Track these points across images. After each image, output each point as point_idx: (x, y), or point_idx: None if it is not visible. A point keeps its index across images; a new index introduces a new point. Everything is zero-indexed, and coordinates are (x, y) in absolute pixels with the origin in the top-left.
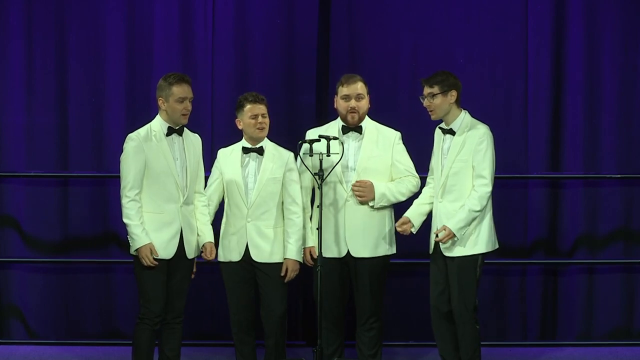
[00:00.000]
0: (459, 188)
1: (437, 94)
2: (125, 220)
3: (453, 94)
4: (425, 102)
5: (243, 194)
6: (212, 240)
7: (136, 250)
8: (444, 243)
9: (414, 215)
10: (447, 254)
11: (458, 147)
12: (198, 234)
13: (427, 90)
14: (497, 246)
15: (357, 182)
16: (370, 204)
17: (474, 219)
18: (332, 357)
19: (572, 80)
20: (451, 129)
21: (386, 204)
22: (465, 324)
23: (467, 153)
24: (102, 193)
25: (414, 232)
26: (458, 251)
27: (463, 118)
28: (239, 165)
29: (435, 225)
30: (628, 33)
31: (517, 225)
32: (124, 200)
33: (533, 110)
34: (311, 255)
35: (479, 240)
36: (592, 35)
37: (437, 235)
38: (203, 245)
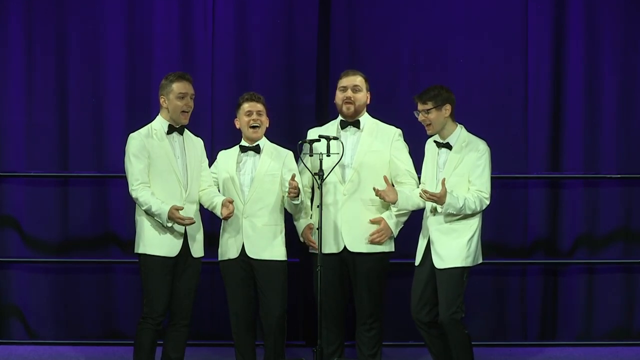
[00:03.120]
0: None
1: (431, 109)
2: (144, 208)
3: (447, 108)
4: (421, 117)
5: (239, 190)
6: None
7: (168, 221)
8: (427, 199)
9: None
10: (439, 266)
11: (455, 162)
12: (214, 205)
13: (420, 106)
14: (480, 260)
15: (374, 233)
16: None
17: (461, 213)
18: (332, 357)
19: (572, 80)
20: (447, 142)
21: (410, 207)
22: (454, 332)
23: (465, 168)
24: (102, 193)
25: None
26: (450, 263)
27: (460, 133)
28: (234, 163)
29: (426, 237)
30: (628, 33)
31: (517, 225)
32: (134, 194)
33: (533, 110)
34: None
35: (470, 253)
36: (592, 36)
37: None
38: (222, 205)
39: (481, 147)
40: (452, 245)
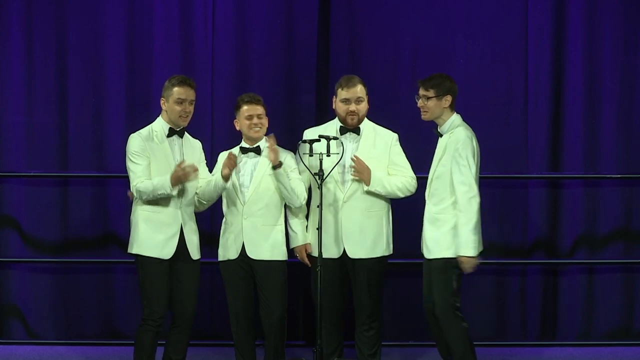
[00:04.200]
0: (441, 192)
1: (431, 97)
2: (148, 191)
3: (447, 99)
4: (420, 103)
5: (238, 192)
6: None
7: (173, 187)
8: (472, 270)
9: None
10: (426, 256)
11: (441, 152)
12: (215, 182)
13: (422, 92)
14: (481, 248)
15: (356, 157)
16: (365, 188)
17: (476, 227)
18: (332, 356)
19: (572, 80)
20: (440, 132)
21: (381, 191)
22: (448, 323)
23: (447, 158)
24: (102, 193)
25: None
26: (434, 253)
27: (452, 122)
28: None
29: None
30: (628, 33)
31: (517, 225)
32: (135, 192)
33: (533, 110)
34: (307, 254)
35: (453, 244)
36: (592, 35)
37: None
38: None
39: (460, 136)
40: (436, 236)
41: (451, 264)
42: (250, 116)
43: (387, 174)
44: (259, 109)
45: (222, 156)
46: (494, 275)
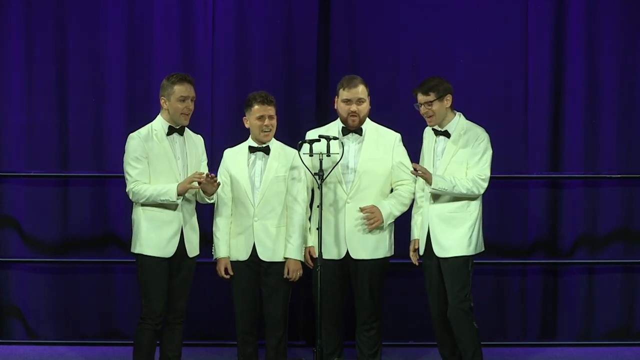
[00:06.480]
0: None
1: (433, 100)
2: (147, 194)
3: (448, 99)
4: (422, 110)
5: (250, 193)
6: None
7: (178, 197)
8: (415, 172)
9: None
10: (440, 255)
11: (453, 150)
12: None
13: (422, 98)
14: (483, 249)
15: (364, 210)
16: (380, 226)
17: (454, 190)
18: (332, 356)
19: (572, 80)
20: (446, 130)
21: (393, 220)
22: (462, 324)
23: (463, 155)
24: (102, 193)
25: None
26: (452, 252)
27: (458, 121)
28: (245, 165)
29: (425, 228)
30: (628, 33)
31: (517, 225)
32: (131, 194)
33: (533, 110)
34: (310, 255)
35: (471, 242)
36: (592, 35)
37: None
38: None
39: (480, 134)
40: (453, 235)
41: (469, 262)
42: (262, 117)
43: (390, 176)
44: (271, 110)
45: (229, 154)
46: (494, 275)
